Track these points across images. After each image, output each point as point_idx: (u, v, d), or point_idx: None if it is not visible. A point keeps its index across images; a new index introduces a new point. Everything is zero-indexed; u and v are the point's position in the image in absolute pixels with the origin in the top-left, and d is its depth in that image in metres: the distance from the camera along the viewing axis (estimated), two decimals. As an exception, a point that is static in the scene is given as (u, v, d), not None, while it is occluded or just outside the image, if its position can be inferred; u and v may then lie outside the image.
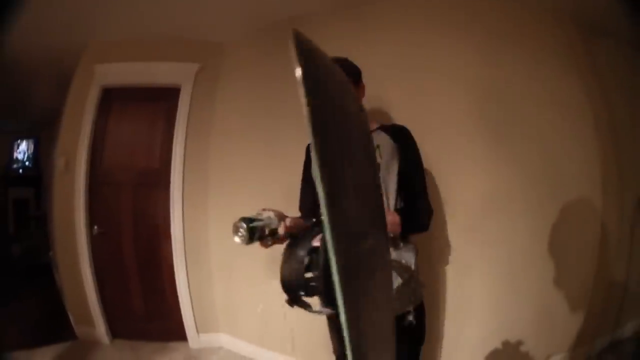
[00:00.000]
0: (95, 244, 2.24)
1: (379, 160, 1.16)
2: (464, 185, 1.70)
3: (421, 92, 1.75)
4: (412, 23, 1.80)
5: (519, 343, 1.66)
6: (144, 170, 2.28)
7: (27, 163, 3.43)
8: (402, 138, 1.22)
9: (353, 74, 1.20)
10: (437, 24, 1.76)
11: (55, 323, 2.40)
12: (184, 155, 2.21)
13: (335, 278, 0.36)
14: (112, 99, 2.27)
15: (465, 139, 1.71)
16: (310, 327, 1.75)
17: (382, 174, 1.16)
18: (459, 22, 1.74)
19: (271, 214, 0.82)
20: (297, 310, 0.65)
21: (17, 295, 2.90)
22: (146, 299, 2.31)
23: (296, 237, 0.70)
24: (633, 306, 1.79)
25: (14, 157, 3.43)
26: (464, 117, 1.72)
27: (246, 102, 2.17)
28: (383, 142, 1.20)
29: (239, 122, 2.19)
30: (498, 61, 1.71)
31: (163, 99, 2.26)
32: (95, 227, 2.23)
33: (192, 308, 2.24)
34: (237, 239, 0.74)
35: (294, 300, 0.64)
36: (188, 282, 2.22)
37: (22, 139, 3.44)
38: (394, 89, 1.76)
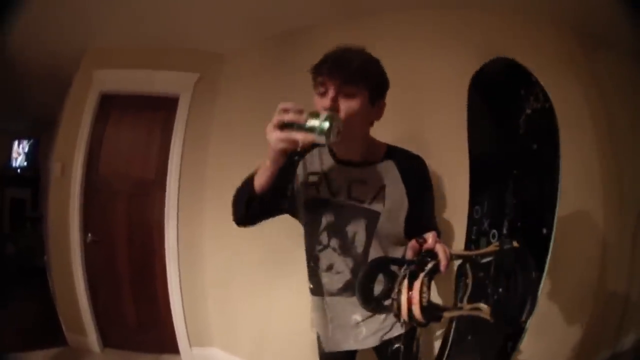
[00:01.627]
0: (88, 251, 2.21)
1: (380, 209, 0.92)
2: (463, 199, 1.66)
3: (420, 103, 1.71)
4: (411, 35, 1.77)
5: (518, 356, 1.64)
6: (139, 179, 2.24)
7: (25, 164, 3.42)
8: (416, 181, 0.96)
9: (382, 85, 0.92)
10: (437, 36, 1.73)
11: (47, 326, 2.38)
12: (181, 165, 2.17)
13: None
14: (111, 106, 2.24)
15: (465, 152, 1.67)
16: (301, 347, 1.71)
17: (382, 224, 0.93)
18: (459, 34, 1.70)
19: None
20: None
21: (10, 296, 2.88)
22: (139, 309, 2.28)
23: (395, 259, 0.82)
24: (635, 318, 1.75)
25: (13, 157, 3.43)
26: (463, 130, 1.68)
27: (244, 114, 2.12)
28: (391, 183, 0.94)
29: (237, 133, 2.15)
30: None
31: (161, 108, 2.23)
32: (89, 235, 2.19)
33: (185, 320, 2.19)
34: None
35: (372, 307, 0.79)
36: (181, 294, 2.18)
37: (21, 140, 3.44)
38: (393, 102, 1.73)
